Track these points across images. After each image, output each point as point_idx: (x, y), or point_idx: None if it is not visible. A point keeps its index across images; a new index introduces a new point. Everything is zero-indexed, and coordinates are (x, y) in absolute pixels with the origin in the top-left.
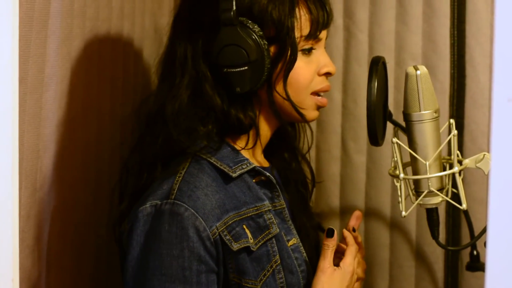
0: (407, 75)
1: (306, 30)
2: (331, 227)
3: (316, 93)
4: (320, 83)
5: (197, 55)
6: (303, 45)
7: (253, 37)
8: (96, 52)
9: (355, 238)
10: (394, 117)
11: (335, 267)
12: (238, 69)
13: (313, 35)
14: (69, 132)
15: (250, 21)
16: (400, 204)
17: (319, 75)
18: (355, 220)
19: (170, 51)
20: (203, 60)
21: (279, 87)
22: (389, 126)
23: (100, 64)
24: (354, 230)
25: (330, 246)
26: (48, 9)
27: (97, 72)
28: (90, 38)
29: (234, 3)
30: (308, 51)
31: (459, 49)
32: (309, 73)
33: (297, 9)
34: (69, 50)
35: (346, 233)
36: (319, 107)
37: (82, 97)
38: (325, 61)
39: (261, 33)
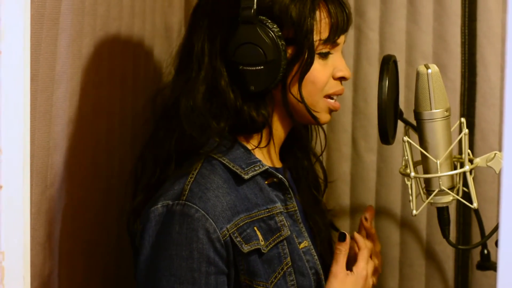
0: (418, 74)
1: (325, 34)
2: (343, 231)
3: (329, 96)
4: (334, 86)
5: (214, 51)
6: (321, 48)
7: (272, 36)
8: (106, 50)
9: (369, 230)
10: (405, 116)
11: (348, 271)
12: (254, 68)
13: (331, 40)
14: (79, 129)
15: (269, 21)
16: (411, 203)
17: (334, 78)
18: (367, 213)
19: (188, 44)
20: (220, 56)
21: (294, 89)
22: (400, 125)
23: (111, 62)
24: (366, 219)
25: (342, 250)
26: (59, 7)
27: (108, 70)
28: (101, 36)
29: (255, 1)
30: (325, 55)
31: (470, 48)
32: (325, 76)
33: (317, 12)
34: (80, 48)
35: (357, 236)
36: (331, 111)
37: (93, 95)
38: (341, 66)
39: (279, 33)
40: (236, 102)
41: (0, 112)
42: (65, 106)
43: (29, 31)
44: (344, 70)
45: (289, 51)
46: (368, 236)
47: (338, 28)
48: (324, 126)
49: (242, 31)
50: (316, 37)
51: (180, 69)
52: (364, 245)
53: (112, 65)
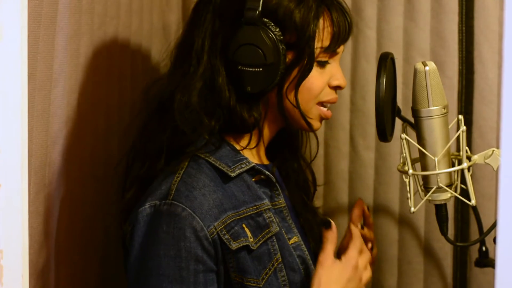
0: (415, 71)
1: (326, 42)
2: (329, 218)
3: (322, 104)
4: (329, 94)
5: (214, 48)
6: (321, 57)
7: (273, 40)
8: (104, 48)
9: (368, 219)
10: (402, 113)
11: (336, 259)
12: (253, 69)
13: (331, 48)
14: (77, 128)
15: (272, 24)
16: (409, 200)
17: (330, 87)
18: (358, 210)
19: (188, 39)
20: (220, 54)
21: (290, 94)
22: (398, 122)
23: (109, 60)
24: (362, 227)
25: (328, 238)
26: (57, 6)
27: (106, 68)
28: (98, 34)
29: (260, 3)
30: (323, 64)
31: (468, 45)
32: (321, 84)
33: (321, 20)
34: (78, 47)
35: (352, 226)
36: (322, 119)
37: (91, 94)
38: (337, 75)
39: (281, 37)
40: (230, 101)
41: None
42: (63, 105)
43: (26, 30)
44: (340, 79)
45: (289, 56)
46: (366, 226)
47: (340, 37)
48: (321, 128)
49: (245, 31)
50: (317, 45)
51: (178, 63)
52: (358, 235)
53: (110, 64)
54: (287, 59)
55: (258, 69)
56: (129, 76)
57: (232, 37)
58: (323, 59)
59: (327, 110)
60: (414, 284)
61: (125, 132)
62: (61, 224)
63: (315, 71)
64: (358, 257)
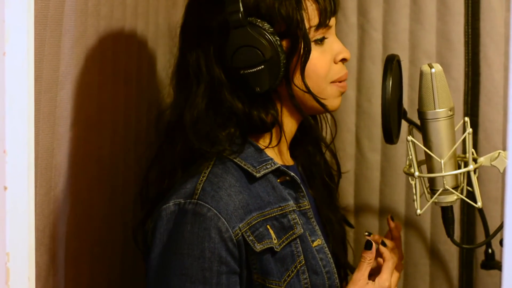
0: (421, 73)
1: (315, 20)
2: (370, 239)
3: (334, 82)
4: (339, 72)
5: (210, 61)
6: (314, 35)
7: (265, 35)
8: (110, 50)
9: (394, 232)
10: (409, 115)
11: (369, 281)
12: (255, 69)
13: (323, 24)
14: (83, 130)
15: (259, 20)
16: (415, 202)
17: (335, 62)
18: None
19: (182, 61)
20: (216, 65)
21: (298, 81)
22: (404, 124)
23: (114, 63)
24: (392, 218)
25: (366, 258)
26: (63, 8)
27: (112, 70)
28: (104, 36)
29: (240, 4)
30: (320, 41)
31: (474, 47)
32: (326, 62)
33: (303, 1)
34: (84, 49)
35: (383, 249)
36: (341, 93)
37: (97, 96)
38: (338, 48)
39: (271, 30)
40: (244, 108)
41: (5, 113)
42: (69, 107)
43: (33, 33)
44: (343, 51)
45: (285, 44)
46: (393, 240)
47: (327, 11)
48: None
49: (234, 35)
50: (307, 25)
51: (179, 87)
52: (390, 257)
53: (116, 66)
54: (284, 49)
55: (260, 68)
56: (135, 78)
57: (224, 45)
58: (319, 36)
59: (342, 82)
60: (420, 286)
61: (131, 134)
62: (67, 227)
63: (315, 51)
64: (390, 279)
